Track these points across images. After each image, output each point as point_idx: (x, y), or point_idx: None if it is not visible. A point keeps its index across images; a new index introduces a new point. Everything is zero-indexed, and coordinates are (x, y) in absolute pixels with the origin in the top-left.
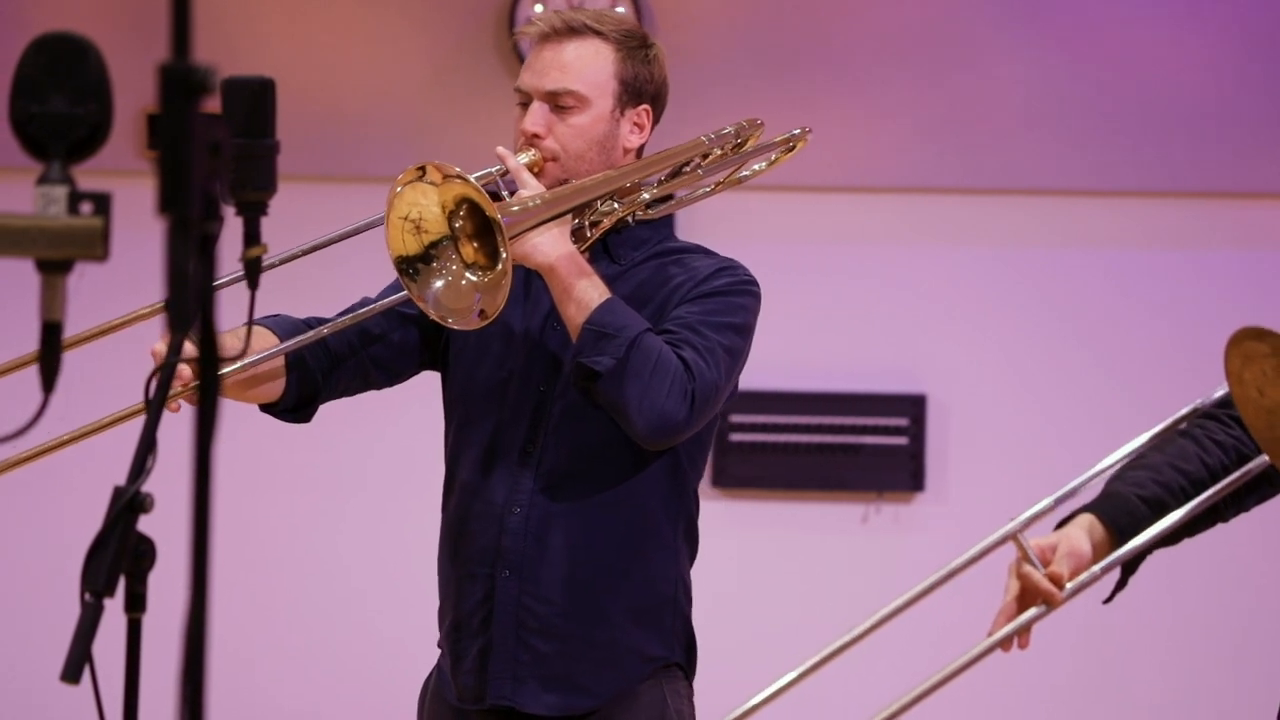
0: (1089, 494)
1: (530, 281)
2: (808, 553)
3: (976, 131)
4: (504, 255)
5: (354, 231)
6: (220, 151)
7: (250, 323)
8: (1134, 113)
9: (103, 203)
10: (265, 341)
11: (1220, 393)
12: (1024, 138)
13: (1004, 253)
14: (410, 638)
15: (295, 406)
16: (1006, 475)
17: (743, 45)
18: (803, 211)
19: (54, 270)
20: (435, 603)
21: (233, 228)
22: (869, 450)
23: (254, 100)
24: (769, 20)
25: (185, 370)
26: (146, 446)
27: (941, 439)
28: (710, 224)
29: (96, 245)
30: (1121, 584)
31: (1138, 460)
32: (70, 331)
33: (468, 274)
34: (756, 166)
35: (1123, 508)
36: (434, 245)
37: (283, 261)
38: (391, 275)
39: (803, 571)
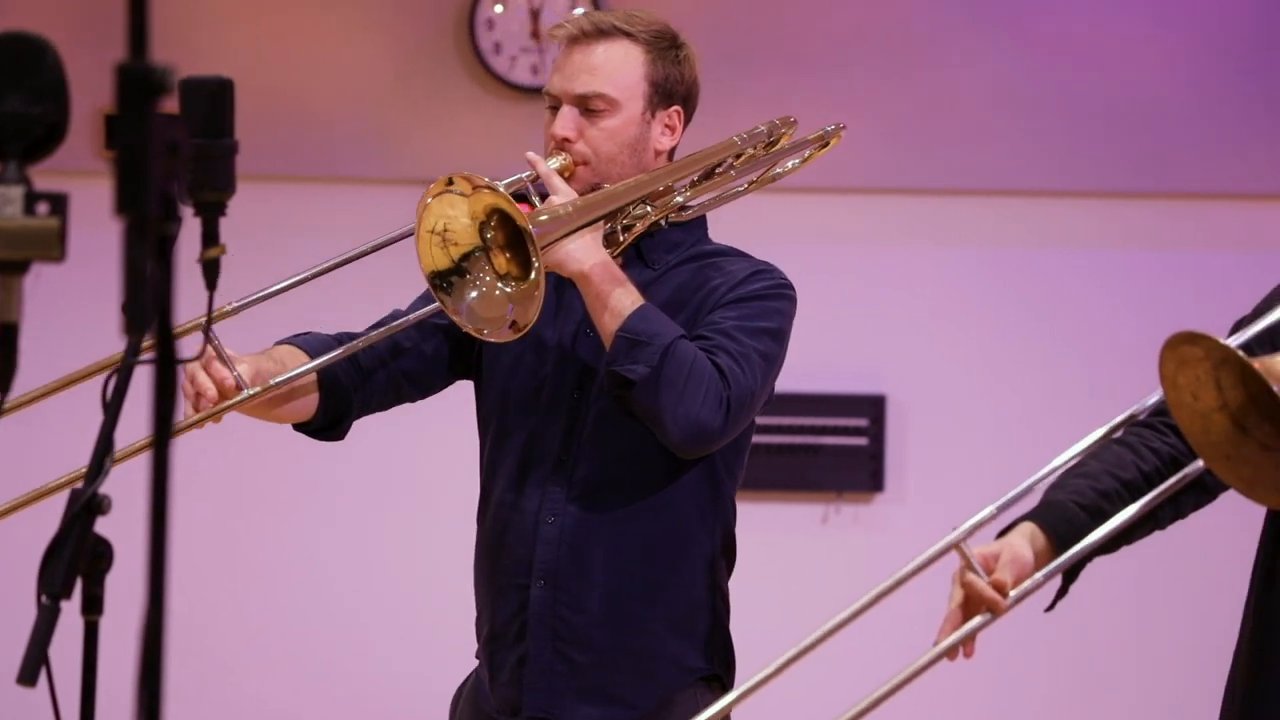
0: (1031, 501)
1: (563, 289)
2: (768, 553)
3: (939, 132)
4: (536, 265)
5: (385, 243)
6: (178, 152)
7: (207, 324)
8: (1099, 113)
9: (59, 203)
10: (296, 360)
11: (1155, 399)
12: (987, 138)
13: (964, 253)
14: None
15: (328, 425)
16: (966, 476)
17: (706, 46)
18: (762, 212)
19: (10, 271)
20: (466, 612)
21: (191, 228)
22: (829, 451)
23: (212, 100)
24: (732, 21)
25: (210, 389)
26: (104, 448)
27: (901, 439)
28: None
29: (53, 246)
30: (1062, 591)
31: (1076, 468)
32: (26, 331)
33: (500, 285)
34: (790, 164)
35: (1062, 516)
36: (465, 257)
37: (314, 275)
38: (419, 286)
39: (763, 571)
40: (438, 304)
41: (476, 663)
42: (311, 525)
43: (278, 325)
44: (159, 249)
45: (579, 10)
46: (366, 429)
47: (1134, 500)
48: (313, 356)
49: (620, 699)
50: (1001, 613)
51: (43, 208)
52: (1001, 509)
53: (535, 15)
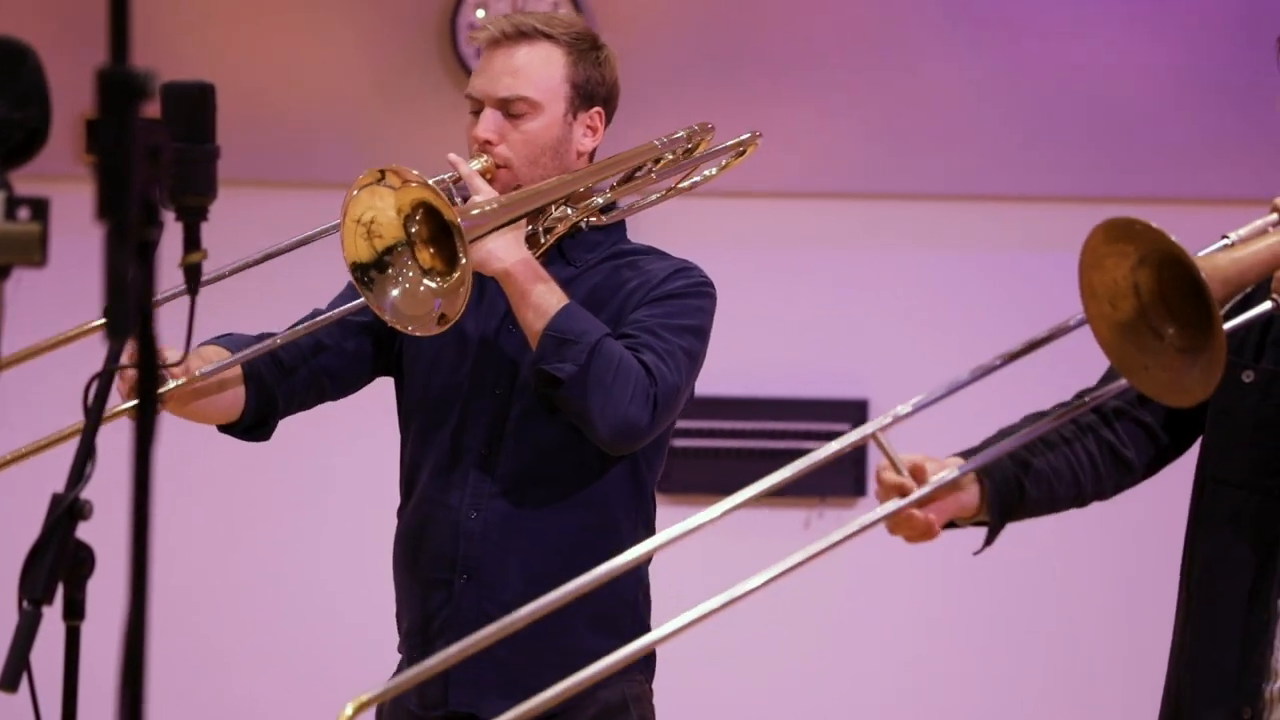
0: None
1: (485, 284)
2: (750, 558)
3: (921, 136)
4: (463, 260)
5: (310, 238)
6: (160, 157)
7: (189, 334)
8: (1081, 118)
9: (41, 208)
10: (221, 357)
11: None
12: (969, 143)
13: (946, 257)
14: (368, 641)
15: (253, 424)
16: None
17: (686, 49)
18: (743, 217)
19: None
20: (392, 606)
21: (173, 233)
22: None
23: (194, 105)
24: (713, 24)
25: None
26: (85, 453)
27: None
28: (652, 229)
29: (34, 251)
30: (989, 539)
31: (1025, 454)
32: (6, 336)
33: (425, 280)
34: (708, 172)
35: (1000, 477)
36: (389, 251)
37: (235, 270)
38: (340, 284)
39: (745, 576)
40: (361, 301)
41: (398, 658)
42: (303, 525)
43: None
44: (140, 254)
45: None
46: (359, 425)
47: (1058, 498)
48: (234, 354)
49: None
50: (910, 493)
51: (24, 212)
52: (919, 408)
53: None
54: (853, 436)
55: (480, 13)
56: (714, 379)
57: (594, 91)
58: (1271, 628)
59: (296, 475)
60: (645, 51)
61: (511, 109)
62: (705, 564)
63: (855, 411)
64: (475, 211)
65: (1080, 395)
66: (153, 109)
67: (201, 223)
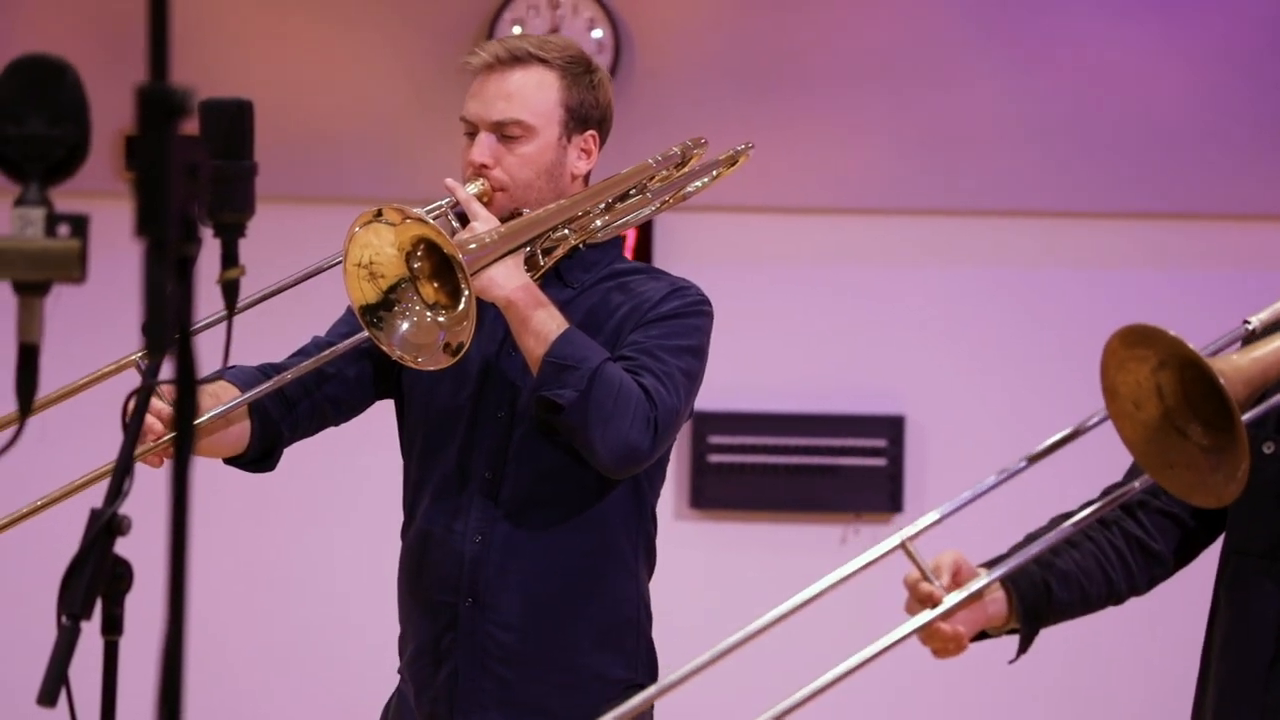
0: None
1: (484, 309)
2: (785, 574)
3: (953, 152)
4: (466, 293)
5: (314, 272)
6: (198, 173)
7: (226, 351)
8: (1112, 133)
9: (80, 224)
10: (228, 394)
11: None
12: (1000, 159)
13: (981, 273)
14: (370, 662)
15: (258, 457)
16: (985, 497)
17: (720, 67)
18: (780, 233)
19: (31, 292)
20: (395, 627)
21: (211, 249)
22: (847, 471)
23: (232, 122)
24: (747, 42)
25: (156, 425)
26: (123, 469)
27: (920, 460)
28: (685, 246)
29: (74, 267)
30: (1023, 648)
31: (1054, 557)
32: (46, 352)
33: (430, 314)
34: (699, 184)
35: (1027, 584)
36: (393, 289)
37: (248, 306)
38: (338, 312)
39: (780, 593)
40: (366, 335)
41: (399, 678)
42: (325, 538)
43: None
44: (179, 270)
45: (597, 32)
46: (379, 441)
47: (1087, 602)
48: (243, 390)
49: (548, 712)
50: (939, 603)
51: (63, 229)
52: (946, 515)
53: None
54: (883, 547)
55: (517, 29)
56: (748, 394)
57: (588, 114)
58: None
59: (317, 488)
60: (680, 71)
61: (506, 132)
62: (747, 577)
63: (891, 427)
64: (474, 245)
65: (1107, 491)
66: (191, 126)
67: (240, 239)
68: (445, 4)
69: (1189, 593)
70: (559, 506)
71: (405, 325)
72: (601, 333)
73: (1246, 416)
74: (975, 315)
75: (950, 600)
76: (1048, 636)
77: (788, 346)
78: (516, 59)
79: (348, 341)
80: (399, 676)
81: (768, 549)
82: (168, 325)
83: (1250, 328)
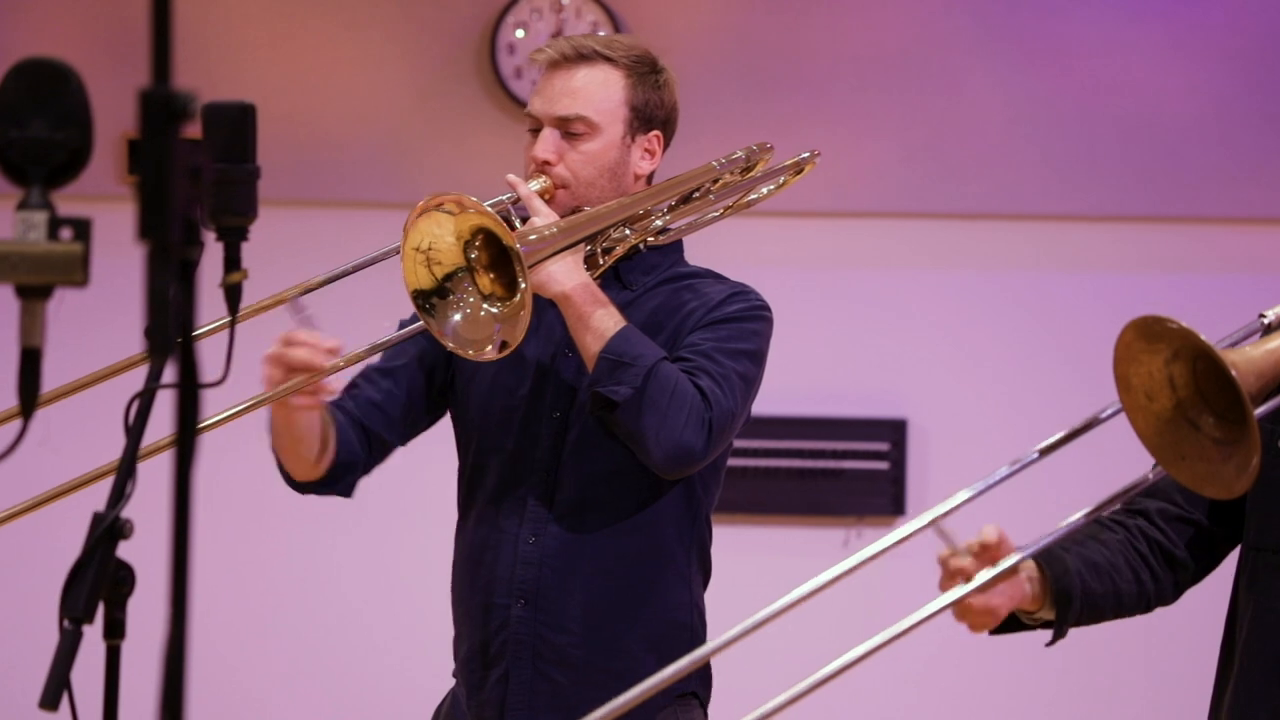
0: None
1: (543, 310)
2: (787, 577)
3: (957, 156)
4: (522, 285)
5: (371, 261)
6: (201, 177)
7: (229, 354)
8: (1115, 137)
9: (83, 228)
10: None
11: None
12: (1005, 162)
13: (984, 277)
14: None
15: (333, 479)
16: (986, 500)
17: (724, 71)
18: (783, 236)
19: (33, 296)
20: (447, 630)
21: (213, 253)
22: (849, 475)
23: (234, 125)
24: (750, 46)
25: (300, 357)
26: (126, 472)
27: (922, 463)
28: (692, 248)
29: (76, 271)
30: (1057, 635)
31: (1087, 544)
32: (49, 354)
33: (486, 305)
34: (765, 190)
35: (1061, 567)
36: (449, 277)
37: (303, 292)
38: (383, 306)
39: (781, 595)
40: (421, 325)
41: (453, 681)
42: (329, 541)
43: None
44: (181, 273)
45: (602, 33)
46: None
47: (1112, 604)
48: (339, 438)
49: None
50: (971, 576)
51: (66, 232)
52: (977, 494)
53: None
54: (913, 525)
55: (520, 33)
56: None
57: (653, 114)
58: None
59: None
60: (684, 73)
61: (569, 129)
62: (749, 580)
63: (893, 431)
64: (533, 236)
65: (1125, 504)
66: (194, 130)
67: (242, 242)
68: (448, 7)
69: (1203, 594)
70: (613, 509)
71: (458, 314)
72: (662, 335)
73: (1260, 410)
74: (978, 319)
75: (982, 577)
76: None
77: (790, 350)
78: (583, 56)
79: (403, 332)
80: (452, 679)
81: (770, 552)
82: (170, 328)
83: (1266, 321)
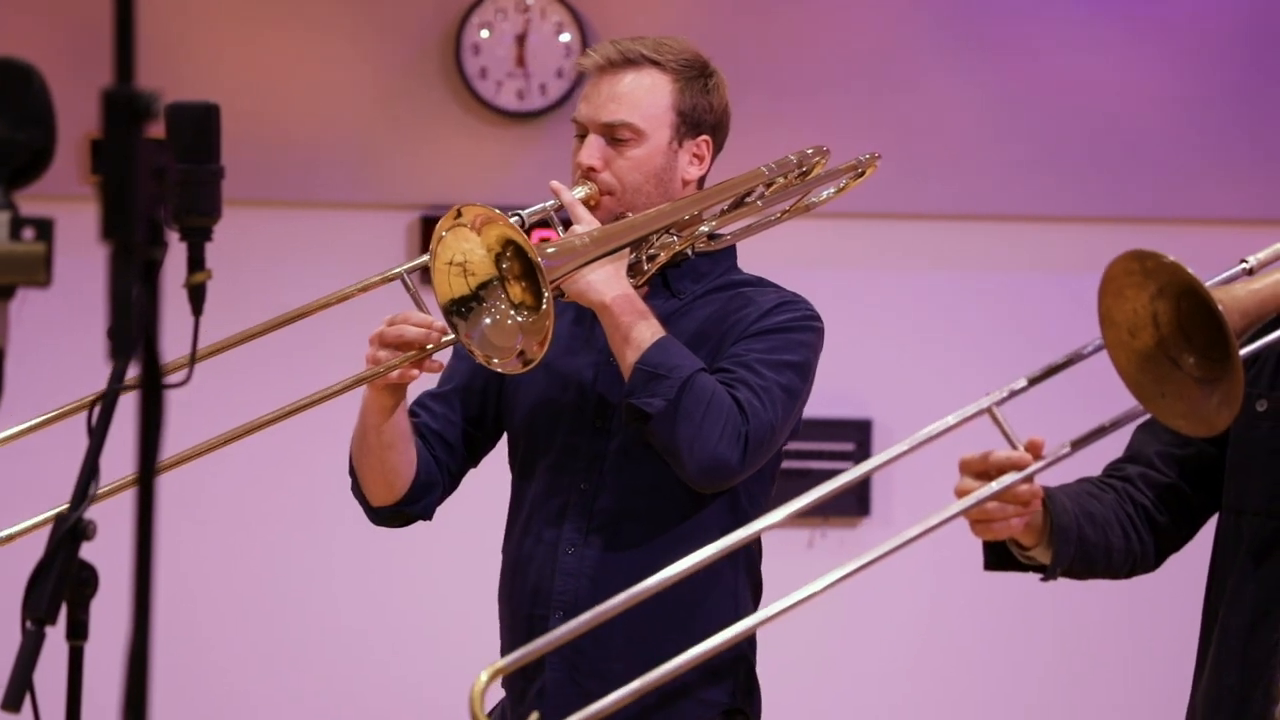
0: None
1: (593, 321)
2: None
3: (922, 157)
4: (546, 297)
5: (392, 276)
6: (164, 177)
7: (193, 352)
8: (1084, 138)
9: (45, 228)
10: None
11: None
12: (970, 163)
13: (949, 277)
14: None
15: (412, 500)
16: (952, 500)
17: None
18: (747, 239)
19: None
20: (472, 631)
21: (177, 253)
22: (815, 475)
23: (198, 125)
24: (716, 47)
25: (415, 334)
26: (89, 473)
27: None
28: None
29: (39, 271)
30: (1054, 568)
31: (1083, 498)
32: (11, 356)
33: (514, 314)
34: (826, 193)
35: (1060, 506)
36: (483, 286)
37: (305, 312)
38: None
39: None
40: (451, 337)
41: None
42: (319, 544)
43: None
44: (145, 274)
45: (565, 36)
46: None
47: (1100, 560)
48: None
49: None
50: (1027, 469)
51: (28, 233)
52: (1034, 381)
53: (521, 41)
54: (969, 410)
55: (484, 33)
56: None
57: (701, 119)
58: (1279, 651)
59: (308, 491)
60: None
61: (615, 135)
62: None
63: (858, 432)
64: (554, 249)
65: (1108, 468)
66: (157, 129)
67: (206, 243)
68: (413, 8)
69: (1189, 562)
70: (654, 521)
71: (488, 321)
72: (710, 344)
73: (1244, 351)
74: (943, 319)
75: (1018, 474)
76: (1044, 609)
77: None
78: (629, 61)
79: (442, 341)
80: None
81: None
82: (133, 329)
83: (1248, 267)
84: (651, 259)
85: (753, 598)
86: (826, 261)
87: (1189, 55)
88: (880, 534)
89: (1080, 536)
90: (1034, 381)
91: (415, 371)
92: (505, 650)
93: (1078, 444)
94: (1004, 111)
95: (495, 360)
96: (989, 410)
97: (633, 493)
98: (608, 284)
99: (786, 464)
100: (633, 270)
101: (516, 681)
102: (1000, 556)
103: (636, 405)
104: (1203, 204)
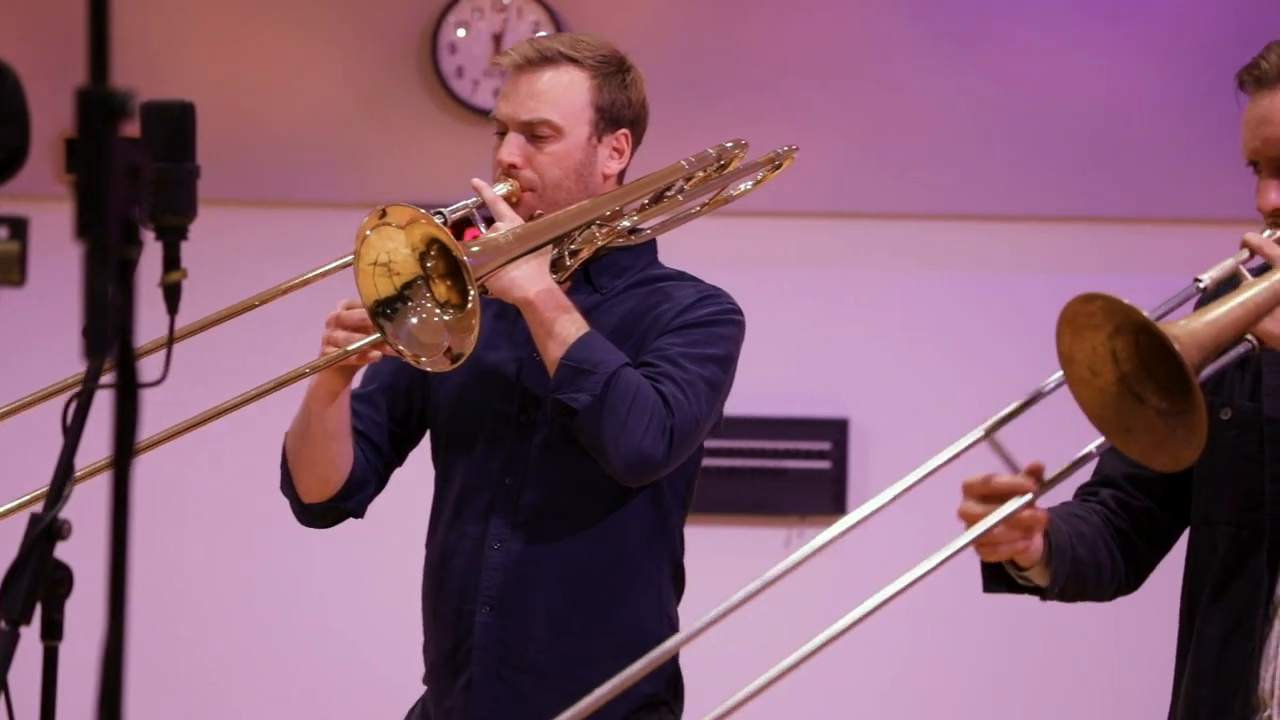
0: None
1: (515, 316)
2: (729, 577)
3: (902, 156)
4: (472, 294)
5: (323, 273)
6: (140, 176)
7: (168, 350)
8: (1063, 137)
9: (19, 227)
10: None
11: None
12: (949, 162)
13: (926, 276)
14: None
15: (346, 495)
16: (929, 499)
17: (666, 70)
18: (723, 236)
19: None
20: (418, 638)
21: (153, 252)
22: (791, 474)
23: (174, 124)
24: (693, 45)
25: (339, 335)
26: (64, 473)
27: (863, 463)
28: None
29: (13, 270)
30: (1054, 587)
31: (1072, 519)
32: None
33: (439, 313)
34: (744, 186)
35: (1054, 528)
36: (407, 286)
37: (245, 308)
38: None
39: (724, 595)
40: (376, 336)
41: (424, 689)
42: (302, 542)
43: (218, 353)
44: (120, 273)
45: (541, 33)
46: None
47: (1082, 575)
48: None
49: None
50: (1029, 495)
51: (2, 232)
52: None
53: (498, 39)
54: (967, 440)
55: (461, 32)
56: None
57: (620, 114)
58: (1257, 659)
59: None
60: None
61: (535, 132)
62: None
63: (835, 431)
64: (477, 248)
65: (1080, 491)
66: (133, 128)
67: (181, 242)
68: (390, 7)
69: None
70: (578, 516)
71: (414, 320)
72: (631, 339)
73: (1203, 375)
74: (919, 318)
75: (1007, 508)
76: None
77: None
78: (547, 59)
79: (362, 343)
80: (423, 686)
81: (711, 552)
82: (108, 328)
83: (1201, 285)
84: (574, 254)
85: (675, 592)
86: (803, 261)
87: (1172, 53)
88: (856, 534)
89: (1075, 557)
90: (994, 428)
91: (376, 354)
92: (428, 647)
93: (1075, 465)
94: (982, 110)
95: (424, 359)
96: (988, 437)
97: (557, 487)
98: (531, 280)
99: (763, 463)
100: (555, 266)
101: (442, 677)
102: (997, 577)
103: (562, 400)
104: (1183, 203)
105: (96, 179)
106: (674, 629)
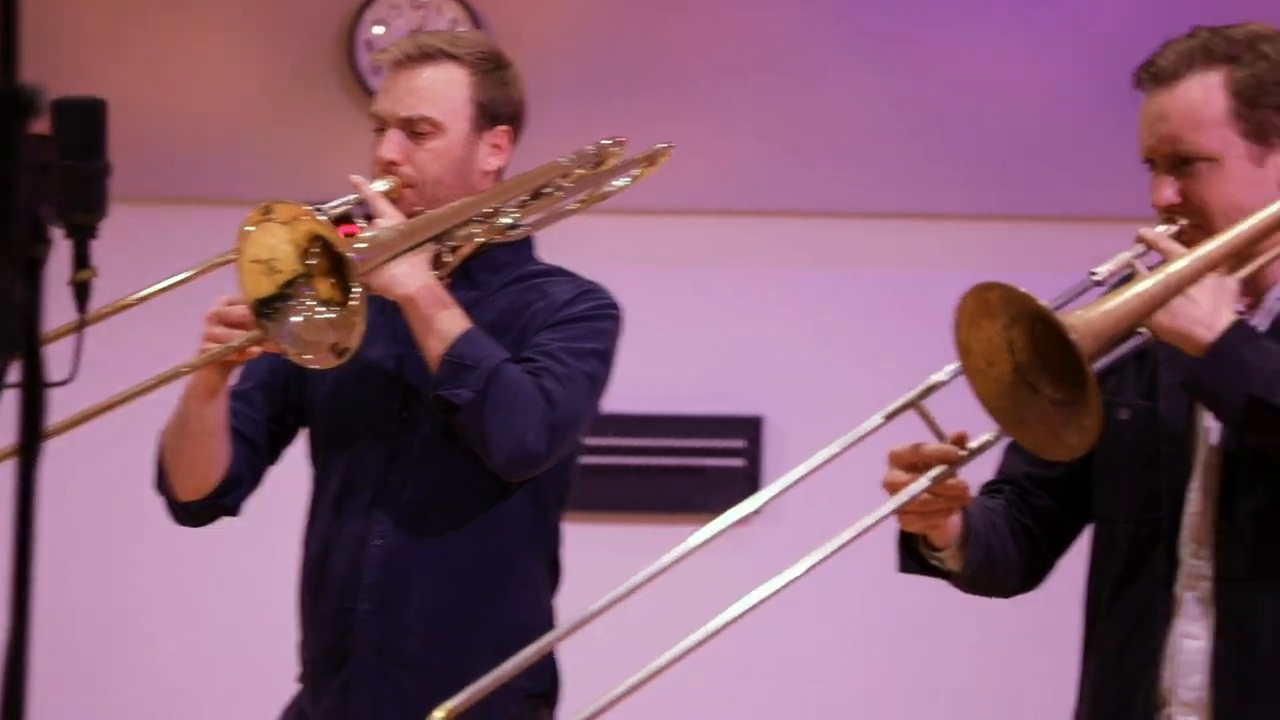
0: None
1: (394, 312)
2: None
3: (814, 154)
4: (357, 292)
5: (205, 269)
6: (49, 173)
7: (77, 348)
8: (977, 136)
9: None
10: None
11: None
12: (865, 160)
13: (840, 274)
14: (269, 671)
15: (223, 492)
16: (843, 497)
17: (584, 67)
18: (638, 234)
19: None
20: (293, 635)
21: (62, 251)
22: (705, 472)
23: (84, 121)
24: (611, 42)
25: (220, 331)
26: None
27: (778, 460)
28: (547, 246)
29: None
30: (970, 568)
31: (983, 510)
32: None
33: (322, 310)
34: (620, 183)
35: (967, 512)
36: (289, 284)
37: (137, 301)
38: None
39: (640, 594)
40: (256, 334)
41: (297, 688)
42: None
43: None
44: (27, 272)
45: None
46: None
47: (990, 562)
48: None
49: None
50: (957, 462)
51: None
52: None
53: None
54: (897, 404)
55: (378, 29)
56: (607, 395)
57: (499, 110)
58: (1159, 656)
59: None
60: (544, 70)
61: (414, 129)
62: (605, 579)
63: (749, 428)
64: (361, 245)
65: (986, 487)
66: (42, 125)
67: (91, 240)
68: (306, 3)
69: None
70: (459, 512)
71: (296, 319)
72: (509, 335)
73: (1096, 366)
74: (833, 316)
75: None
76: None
77: (645, 347)
78: (426, 55)
79: (244, 337)
80: (299, 684)
81: (625, 550)
82: (14, 328)
83: (1097, 278)
84: (454, 251)
85: (552, 586)
86: (717, 259)
87: (1084, 54)
88: (771, 532)
89: (988, 544)
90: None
91: (256, 350)
92: (305, 645)
93: (1000, 434)
94: (898, 109)
95: (309, 357)
96: (915, 405)
97: (439, 484)
98: (411, 277)
99: (677, 461)
100: (436, 263)
101: (320, 675)
102: (912, 557)
103: (444, 396)
104: (1097, 201)
105: (4, 177)
106: (551, 624)
